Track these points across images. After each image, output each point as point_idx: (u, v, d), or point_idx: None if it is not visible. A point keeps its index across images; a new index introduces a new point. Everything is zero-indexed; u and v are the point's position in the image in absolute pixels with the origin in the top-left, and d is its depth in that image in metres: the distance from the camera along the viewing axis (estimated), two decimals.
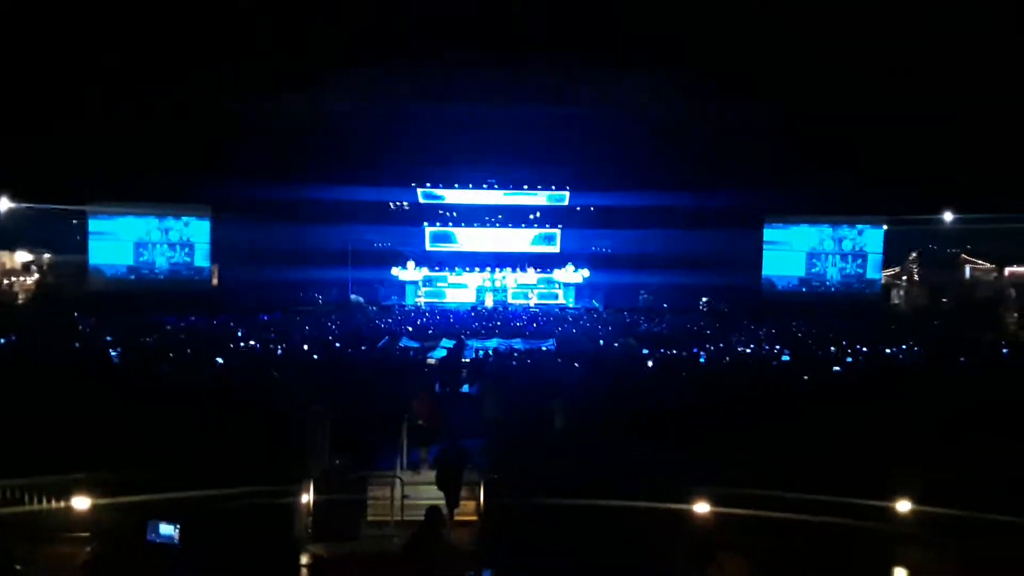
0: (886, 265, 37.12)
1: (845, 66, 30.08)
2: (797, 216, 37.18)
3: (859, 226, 36.81)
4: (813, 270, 37.28)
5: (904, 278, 37.31)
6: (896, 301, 36.13)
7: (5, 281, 34.61)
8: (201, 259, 37.05)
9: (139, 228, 36.53)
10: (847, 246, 36.99)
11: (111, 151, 31.73)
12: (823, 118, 31.78)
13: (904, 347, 20.39)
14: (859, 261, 36.87)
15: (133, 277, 36.07)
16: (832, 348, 19.94)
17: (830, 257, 37.10)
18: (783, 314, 30.73)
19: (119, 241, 36.23)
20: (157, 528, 5.81)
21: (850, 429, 9.64)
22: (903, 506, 8.22)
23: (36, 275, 35.84)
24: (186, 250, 36.94)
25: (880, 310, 34.24)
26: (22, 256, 35.68)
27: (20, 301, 32.97)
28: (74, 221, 36.28)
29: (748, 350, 20.31)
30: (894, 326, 27.19)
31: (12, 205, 33.66)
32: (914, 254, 36.92)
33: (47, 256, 36.48)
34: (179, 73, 31.15)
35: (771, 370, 16.52)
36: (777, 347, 20.30)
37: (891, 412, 10.49)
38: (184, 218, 36.82)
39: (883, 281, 37.20)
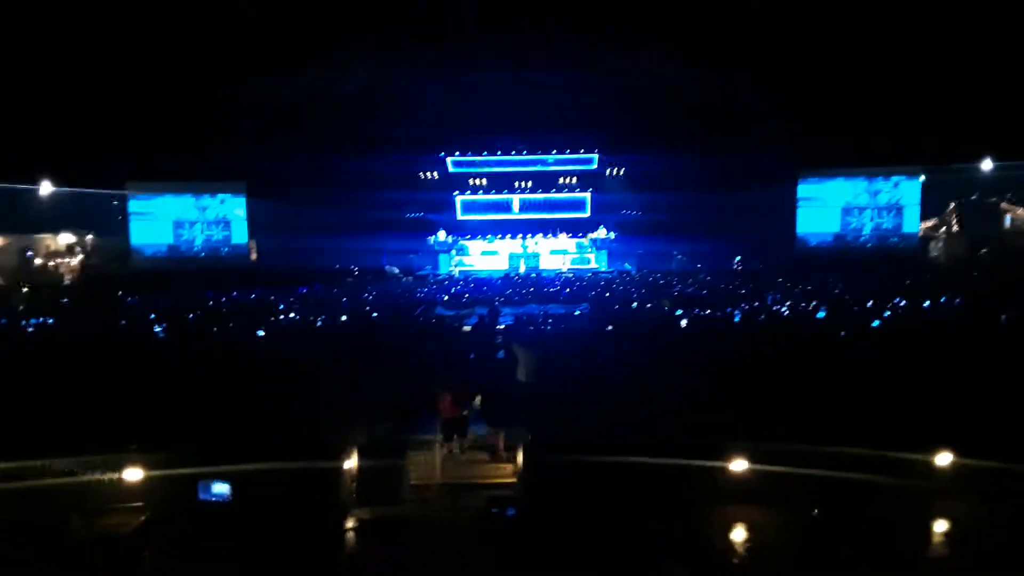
0: (924, 217, 36.36)
1: (870, 13, 29.23)
2: (831, 170, 36.55)
3: (895, 177, 36.08)
4: (849, 225, 36.71)
5: (943, 229, 36.50)
6: (935, 254, 35.41)
7: (50, 263, 35.54)
8: (239, 235, 37.72)
9: (177, 207, 37.27)
10: (883, 199, 36.31)
11: (146, 131, 32.31)
12: (850, 69, 31.08)
13: (943, 300, 20.10)
14: (895, 213, 36.19)
15: (173, 255, 36.88)
16: (869, 303, 19.72)
17: (866, 211, 36.48)
18: (818, 270, 30.40)
19: (158, 220, 37.04)
20: (209, 488, 6.08)
21: (887, 383, 9.63)
22: (944, 459, 8.24)
23: (80, 256, 36.74)
24: (224, 227, 37.64)
25: (918, 263, 33.64)
26: (65, 238, 36.57)
27: (66, 282, 33.86)
28: (114, 202, 37.09)
29: (783, 308, 20.20)
30: (931, 278, 26.74)
31: (53, 189, 34.46)
32: (952, 204, 36.06)
33: (90, 237, 37.34)
34: (207, 51, 31.43)
35: (806, 326, 16.46)
36: (812, 304, 20.14)
37: (930, 365, 10.43)
38: (220, 195, 37.48)
39: (921, 233, 36.48)
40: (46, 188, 34.21)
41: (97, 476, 8.03)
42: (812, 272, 30.05)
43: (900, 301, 19.94)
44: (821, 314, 17.94)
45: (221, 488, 5.94)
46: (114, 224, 37.08)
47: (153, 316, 19.76)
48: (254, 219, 37.57)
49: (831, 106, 32.23)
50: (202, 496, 5.97)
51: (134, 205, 36.82)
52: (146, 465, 8.01)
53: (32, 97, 29.71)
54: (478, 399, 10.25)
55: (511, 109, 37.59)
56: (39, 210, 34.62)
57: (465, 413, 9.99)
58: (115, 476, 7.97)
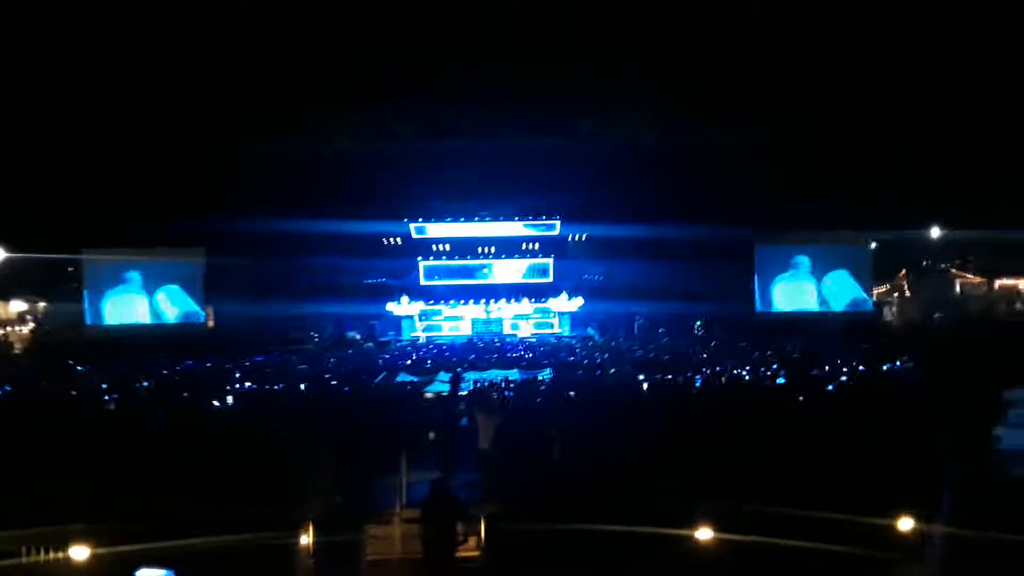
0: (876, 282, 37.30)
1: (824, 81, 30.41)
2: (786, 238, 37.41)
3: (846, 245, 37.07)
4: (804, 290, 37.43)
5: (895, 295, 37.50)
6: (889, 318, 36.28)
7: (1, 331, 34.57)
8: (195, 301, 37.07)
9: (133, 273, 36.61)
10: (836, 264, 37.18)
11: (101, 196, 31.94)
12: (805, 138, 32.17)
13: (898, 363, 20.48)
14: (849, 278, 37.04)
15: (128, 322, 36.05)
16: (826, 367, 20.02)
17: (821, 276, 37.28)
18: (776, 335, 30.85)
19: (113, 287, 36.30)
20: None
21: (849, 445, 9.66)
22: (905, 525, 8.21)
23: (31, 324, 35.79)
24: (180, 293, 36.97)
25: (872, 327, 34.37)
26: (17, 306, 35.66)
27: (16, 351, 32.87)
28: (69, 268, 36.38)
29: (743, 372, 20.40)
30: (886, 342, 27.31)
31: (4, 255, 33.71)
32: (903, 270, 37.16)
33: (42, 305, 36.47)
34: (167, 116, 31.47)
35: (765, 390, 16.59)
36: (772, 368, 20.37)
37: (889, 426, 10.52)
38: (177, 261, 36.93)
39: (874, 299, 37.37)
40: None
41: (41, 555, 7.64)
42: (770, 336, 30.47)
43: (857, 365, 20.29)
44: (780, 379, 18.14)
45: None
46: (68, 291, 36.29)
47: (104, 386, 19.18)
48: (211, 284, 36.96)
49: (789, 171, 33.22)
50: None
51: (89, 271, 36.08)
52: (90, 541, 7.64)
53: None
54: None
55: (474, 175, 38.08)
56: None
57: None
58: (59, 554, 7.58)
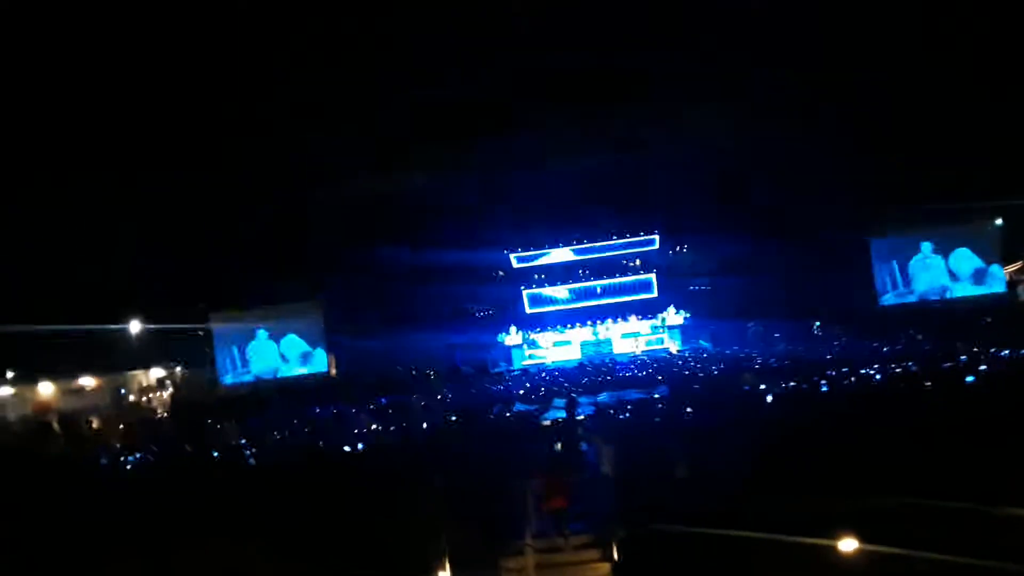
0: (1007, 260, 34.79)
1: (923, 65, 29.03)
2: (902, 227, 35.50)
3: (970, 225, 34.80)
4: (928, 280, 35.37)
5: None
6: None
7: (143, 398, 37.07)
8: (318, 352, 38.68)
9: (258, 333, 38.62)
10: (961, 249, 34.98)
11: (222, 264, 34.11)
12: (907, 125, 30.69)
13: None
14: (976, 262, 34.76)
15: (257, 379, 37.98)
16: (963, 357, 18.81)
17: (945, 263, 35.15)
18: (902, 330, 29.23)
19: (241, 347, 38.40)
20: None
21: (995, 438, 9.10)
22: None
23: (170, 389, 38.24)
24: (303, 346, 38.69)
25: (1006, 309, 32.04)
26: (156, 372, 38.22)
27: (158, 415, 35.16)
28: (200, 333, 38.69)
29: (872, 371, 19.41)
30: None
31: (141, 327, 36.23)
32: None
33: (179, 370, 38.94)
34: (276, 181, 33.36)
35: (898, 387, 15.77)
36: (898, 366, 19.25)
37: None
38: (298, 316, 38.73)
39: (1007, 279, 34.86)
40: (135, 327, 35.98)
41: None
42: (896, 331, 28.94)
43: (996, 352, 19.00)
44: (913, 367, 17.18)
45: None
46: (201, 355, 38.60)
47: (243, 442, 20.24)
48: (330, 332, 38.57)
49: (893, 160, 31.76)
50: None
51: (218, 334, 38.31)
52: None
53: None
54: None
55: (568, 199, 38.31)
56: (129, 349, 36.34)
57: (564, 502, 9.82)
58: None
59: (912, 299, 35.22)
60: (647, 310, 39.74)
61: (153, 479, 15.69)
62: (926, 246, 35.30)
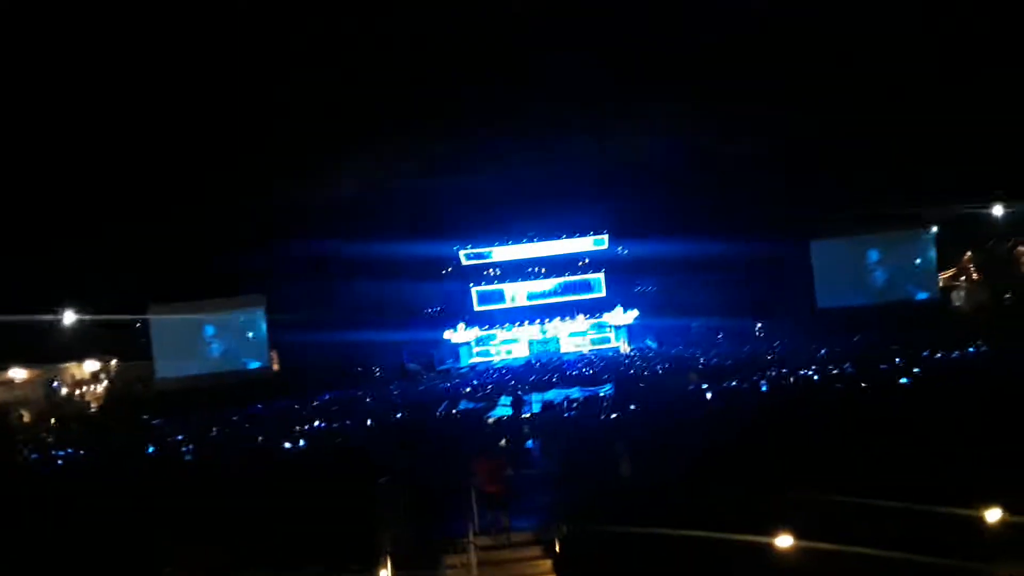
0: (941, 267, 35.99)
1: (865, 67, 29.80)
2: (842, 230, 36.40)
3: (907, 231, 35.89)
4: (866, 283, 36.36)
5: (962, 279, 36.16)
6: (958, 303, 34.97)
7: (76, 392, 35.84)
8: (259, 347, 37.89)
9: (198, 326, 37.62)
10: (897, 252, 36.03)
11: (161, 253, 33.14)
12: (850, 125, 31.43)
13: (972, 349, 19.77)
14: (912, 266, 35.87)
15: (196, 374, 36.97)
16: (897, 360, 19.40)
17: (881, 266, 36.18)
18: (840, 332, 29.99)
19: (179, 341, 37.32)
20: None
21: (929, 436, 9.39)
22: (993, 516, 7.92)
23: (105, 382, 37.05)
24: (245, 341, 37.85)
25: (939, 314, 33.21)
26: (90, 366, 36.96)
27: (92, 410, 34.05)
28: (138, 325, 37.52)
29: (810, 371, 19.89)
30: (957, 330, 26.34)
31: (76, 317, 35.01)
32: (968, 253, 35.78)
33: (114, 363, 37.72)
34: (214, 166, 32.54)
35: (835, 389, 16.17)
36: (836, 368, 19.75)
37: (970, 414, 10.19)
38: (240, 310, 37.84)
39: (941, 285, 36.09)
40: (68, 318, 34.73)
41: None
42: (834, 333, 29.69)
43: (930, 354, 19.63)
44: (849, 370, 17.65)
45: None
46: (137, 347, 37.43)
47: (180, 438, 19.74)
48: (273, 327, 37.77)
49: (836, 164, 32.52)
50: None
51: (155, 327, 37.17)
52: None
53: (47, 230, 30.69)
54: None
55: (518, 197, 38.25)
56: (62, 340, 35.09)
57: (500, 488, 9.80)
58: None
59: (850, 302, 36.10)
60: (595, 309, 40.05)
61: (85, 475, 15.19)
62: (865, 250, 36.26)
